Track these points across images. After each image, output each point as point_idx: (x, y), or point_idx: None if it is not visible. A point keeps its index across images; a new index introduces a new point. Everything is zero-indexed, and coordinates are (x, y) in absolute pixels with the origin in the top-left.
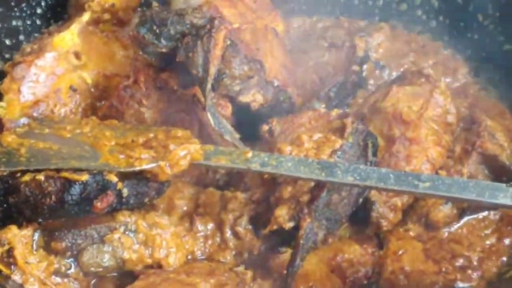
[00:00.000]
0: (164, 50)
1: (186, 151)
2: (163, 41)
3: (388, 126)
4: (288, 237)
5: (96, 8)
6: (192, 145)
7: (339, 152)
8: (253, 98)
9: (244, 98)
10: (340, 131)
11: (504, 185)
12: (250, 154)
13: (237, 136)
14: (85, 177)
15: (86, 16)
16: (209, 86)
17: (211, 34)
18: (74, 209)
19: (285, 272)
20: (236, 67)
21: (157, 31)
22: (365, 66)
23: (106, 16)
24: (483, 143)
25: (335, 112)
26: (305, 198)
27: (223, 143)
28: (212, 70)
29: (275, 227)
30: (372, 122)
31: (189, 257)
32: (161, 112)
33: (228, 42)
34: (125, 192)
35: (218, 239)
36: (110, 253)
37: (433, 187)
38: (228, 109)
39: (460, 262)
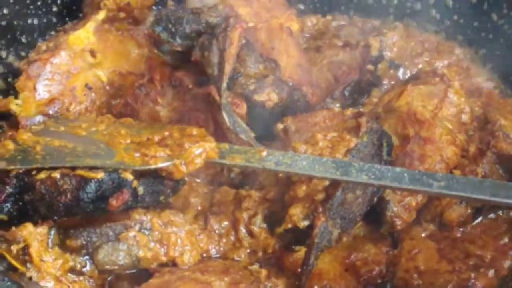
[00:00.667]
0: (179, 48)
1: (201, 149)
2: (179, 40)
3: (403, 125)
4: (303, 236)
5: (112, 7)
6: (207, 143)
7: (354, 151)
8: (268, 97)
9: (259, 97)
10: (355, 130)
11: None
12: (264, 153)
13: (252, 135)
14: (100, 175)
15: (101, 15)
16: (224, 85)
17: (227, 33)
18: (90, 207)
19: (299, 270)
20: (251, 66)
21: (173, 29)
22: (379, 66)
23: (122, 14)
24: (497, 143)
25: (349, 111)
26: (320, 197)
27: (238, 141)
28: (228, 69)
29: (289, 225)
30: (387, 121)
31: (204, 255)
32: (176, 111)
33: (243, 41)
34: (140, 190)
35: (232, 238)
36: (125, 251)
37: (447, 186)
38: (243, 108)
39: (473, 261)
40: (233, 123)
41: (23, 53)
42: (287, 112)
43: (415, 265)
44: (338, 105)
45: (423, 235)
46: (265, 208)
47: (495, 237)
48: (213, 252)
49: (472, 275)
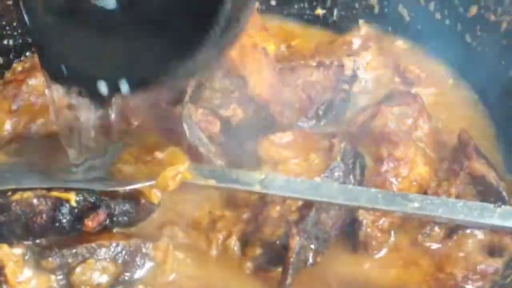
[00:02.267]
0: None
1: (175, 171)
2: None
3: (377, 146)
4: (277, 258)
5: None
6: (181, 165)
7: (327, 172)
8: (234, 112)
9: (224, 112)
10: (328, 151)
11: (491, 205)
12: (235, 174)
13: (213, 149)
14: (74, 196)
15: None
16: (187, 97)
17: None
18: (65, 227)
19: None
20: (217, 81)
21: None
22: (353, 85)
23: None
24: (470, 163)
25: (323, 132)
26: (294, 217)
27: (213, 162)
28: (192, 82)
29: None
30: (361, 142)
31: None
32: (151, 130)
33: None
34: (116, 211)
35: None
36: (100, 271)
37: (421, 207)
38: (216, 126)
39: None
40: (193, 135)
41: None
42: (258, 131)
43: None
44: (312, 124)
45: None
46: (239, 230)
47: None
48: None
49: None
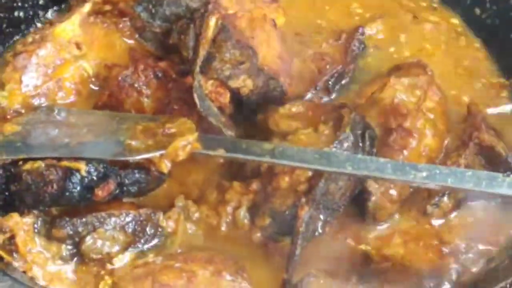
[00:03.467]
0: (158, 30)
1: (185, 141)
2: (158, 21)
3: (385, 117)
4: (287, 228)
5: None
6: (191, 135)
7: (337, 143)
8: (243, 83)
9: (233, 83)
10: (338, 121)
11: (500, 175)
12: (245, 144)
13: (223, 119)
14: (84, 166)
15: (87, 7)
16: (197, 68)
17: (204, 17)
18: (75, 197)
19: (286, 262)
20: (226, 51)
21: (153, 10)
22: (363, 56)
23: (107, 7)
24: (480, 134)
25: (332, 103)
26: (303, 187)
27: (223, 132)
28: (202, 52)
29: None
30: (369, 113)
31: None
32: (160, 101)
33: (221, 27)
34: (126, 181)
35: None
36: (111, 240)
37: (430, 176)
38: (226, 97)
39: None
40: (203, 106)
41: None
42: (267, 102)
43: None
44: (321, 96)
45: None
46: (248, 200)
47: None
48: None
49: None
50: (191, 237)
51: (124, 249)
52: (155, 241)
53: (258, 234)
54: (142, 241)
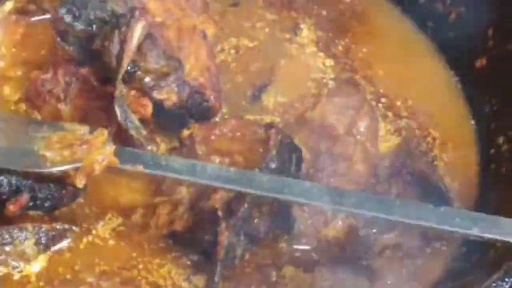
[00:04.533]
0: (81, 34)
1: (102, 155)
2: (81, 25)
3: (315, 139)
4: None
5: None
6: (108, 148)
7: (263, 164)
8: (167, 96)
9: (157, 95)
10: (264, 142)
11: (431, 205)
12: (164, 160)
13: (144, 132)
14: None
15: (8, 6)
16: (119, 77)
17: (130, 24)
18: None
19: None
20: (151, 61)
21: (77, 13)
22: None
23: (31, 6)
24: (413, 163)
25: (259, 122)
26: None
27: (143, 146)
28: (126, 60)
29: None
30: (299, 133)
31: None
32: (79, 109)
33: (146, 35)
34: (39, 194)
35: None
36: (20, 254)
37: (357, 204)
38: (148, 109)
39: None
40: (124, 117)
41: None
42: (192, 117)
43: None
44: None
45: None
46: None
47: None
48: None
49: None
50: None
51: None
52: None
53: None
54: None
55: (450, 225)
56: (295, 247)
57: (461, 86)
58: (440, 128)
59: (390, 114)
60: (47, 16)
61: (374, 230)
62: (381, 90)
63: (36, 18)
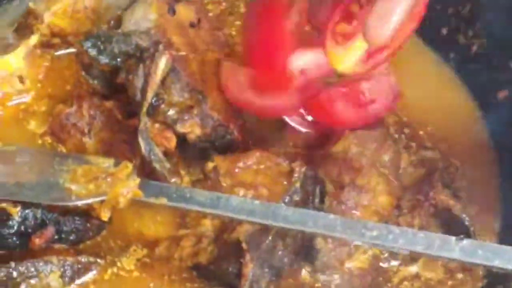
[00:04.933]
0: (105, 68)
1: (126, 188)
2: (105, 59)
3: (338, 171)
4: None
5: (45, 31)
6: (133, 182)
7: (286, 197)
8: (191, 129)
9: (181, 128)
10: (288, 175)
11: (453, 238)
12: (189, 192)
13: (167, 165)
14: (20, 210)
15: (33, 39)
16: (144, 110)
17: (154, 57)
18: (10, 243)
19: None
20: (175, 94)
21: (101, 47)
22: None
23: (56, 40)
24: (436, 194)
25: (283, 155)
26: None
27: (167, 179)
28: (150, 93)
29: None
30: (322, 166)
31: None
32: (104, 143)
33: (171, 68)
34: (64, 228)
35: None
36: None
37: (380, 236)
38: (172, 142)
39: None
40: (148, 150)
41: None
42: (216, 150)
43: None
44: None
45: None
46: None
47: None
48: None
49: None
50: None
51: None
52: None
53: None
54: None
55: (472, 257)
56: (319, 278)
57: (483, 116)
58: (463, 159)
59: (413, 144)
60: (72, 49)
61: (396, 262)
62: (405, 119)
63: (60, 51)
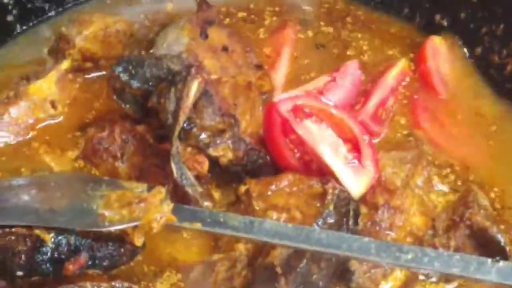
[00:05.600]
0: (137, 92)
1: (160, 213)
2: (136, 82)
3: (372, 193)
4: None
5: (77, 56)
6: (166, 206)
7: (320, 220)
8: (223, 153)
9: (213, 152)
10: (321, 197)
11: (489, 260)
12: (222, 217)
13: (200, 189)
14: (53, 236)
15: (65, 64)
16: (176, 133)
17: (186, 81)
18: (44, 270)
19: None
20: (207, 118)
21: (133, 71)
22: None
23: (88, 64)
24: (472, 215)
25: (316, 177)
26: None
27: (199, 203)
28: (182, 117)
29: None
30: None
31: None
32: (136, 167)
33: (203, 92)
34: (98, 254)
35: None
36: None
37: (415, 259)
38: (205, 166)
39: None
40: (180, 174)
41: None
42: (249, 173)
43: None
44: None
45: None
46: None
47: None
48: None
49: None
50: None
51: None
52: None
53: None
54: None
55: (509, 279)
56: None
57: None
58: (498, 182)
59: (448, 167)
60: (103, 72)
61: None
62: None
63: (92, 75)
